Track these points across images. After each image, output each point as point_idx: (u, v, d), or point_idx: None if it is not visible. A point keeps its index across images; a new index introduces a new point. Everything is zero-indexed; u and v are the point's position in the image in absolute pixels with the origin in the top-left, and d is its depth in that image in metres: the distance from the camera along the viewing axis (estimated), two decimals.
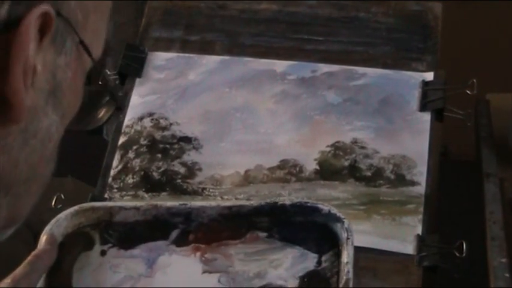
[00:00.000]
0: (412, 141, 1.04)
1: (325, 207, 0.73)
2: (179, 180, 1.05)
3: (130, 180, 1.06)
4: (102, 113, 1.17)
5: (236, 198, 1.01)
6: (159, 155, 1.08)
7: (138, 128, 1.10)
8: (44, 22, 0.48)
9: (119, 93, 1.14)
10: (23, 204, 0.53)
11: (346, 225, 0.71)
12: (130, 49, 1.17)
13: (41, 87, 0.49)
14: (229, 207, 0.75)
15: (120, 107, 1.13)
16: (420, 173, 1.01)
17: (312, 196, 0.99)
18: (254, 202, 0.76)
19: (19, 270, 0.67)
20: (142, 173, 1.06)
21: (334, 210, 0.73)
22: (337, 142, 1.05)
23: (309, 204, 0.74)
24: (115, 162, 1.08)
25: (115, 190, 1.05)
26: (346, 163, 1.03)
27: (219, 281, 0.73)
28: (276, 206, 0.75)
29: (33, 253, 0.70)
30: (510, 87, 1.23)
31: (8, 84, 0.46)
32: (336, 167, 1.03)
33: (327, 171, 1.02)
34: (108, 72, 1.13)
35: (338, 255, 0.72)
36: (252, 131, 1.09)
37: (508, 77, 1.45)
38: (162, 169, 1.06)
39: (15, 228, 0.54)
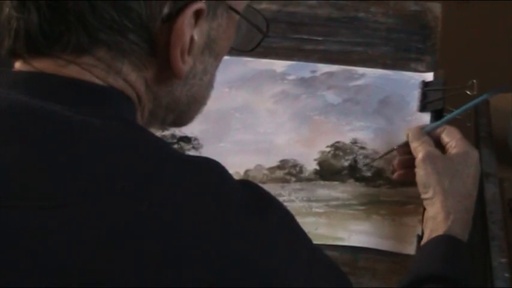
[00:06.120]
0: None
1: None
2: None
3: None
4: None
5: None
6: None
7: None
8: (198, 11, 0.61)
9: None
10: (187, 117, 0.72)
11: None
12: None
13: (198, 49, 0.63)
14: None
15: None
16: None
17: (311, 196, 0.99)
18: None
19: None
20: None
21: None
22: (337, 142, 1.05)
23: None
24: None
25: None
26: (346, 163, 1.03)
27: None
28: None
29: None
30: (510, 87, 1.23)
31: (170, 62, 0.61)
32: (336, 167, 1.03)
33: (327, 172, 1.02)
34: None
35: None
36: (251, 131, 1.09)
37: (508, 77, 1.45)
38: None
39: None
